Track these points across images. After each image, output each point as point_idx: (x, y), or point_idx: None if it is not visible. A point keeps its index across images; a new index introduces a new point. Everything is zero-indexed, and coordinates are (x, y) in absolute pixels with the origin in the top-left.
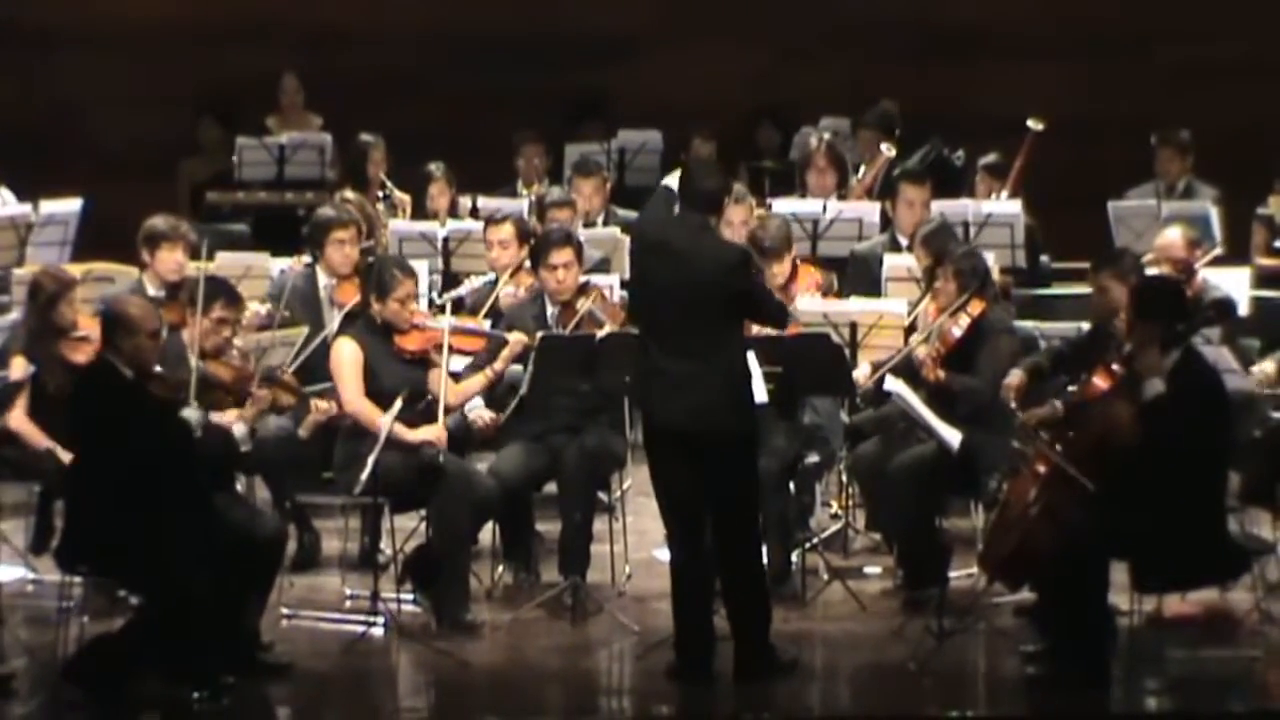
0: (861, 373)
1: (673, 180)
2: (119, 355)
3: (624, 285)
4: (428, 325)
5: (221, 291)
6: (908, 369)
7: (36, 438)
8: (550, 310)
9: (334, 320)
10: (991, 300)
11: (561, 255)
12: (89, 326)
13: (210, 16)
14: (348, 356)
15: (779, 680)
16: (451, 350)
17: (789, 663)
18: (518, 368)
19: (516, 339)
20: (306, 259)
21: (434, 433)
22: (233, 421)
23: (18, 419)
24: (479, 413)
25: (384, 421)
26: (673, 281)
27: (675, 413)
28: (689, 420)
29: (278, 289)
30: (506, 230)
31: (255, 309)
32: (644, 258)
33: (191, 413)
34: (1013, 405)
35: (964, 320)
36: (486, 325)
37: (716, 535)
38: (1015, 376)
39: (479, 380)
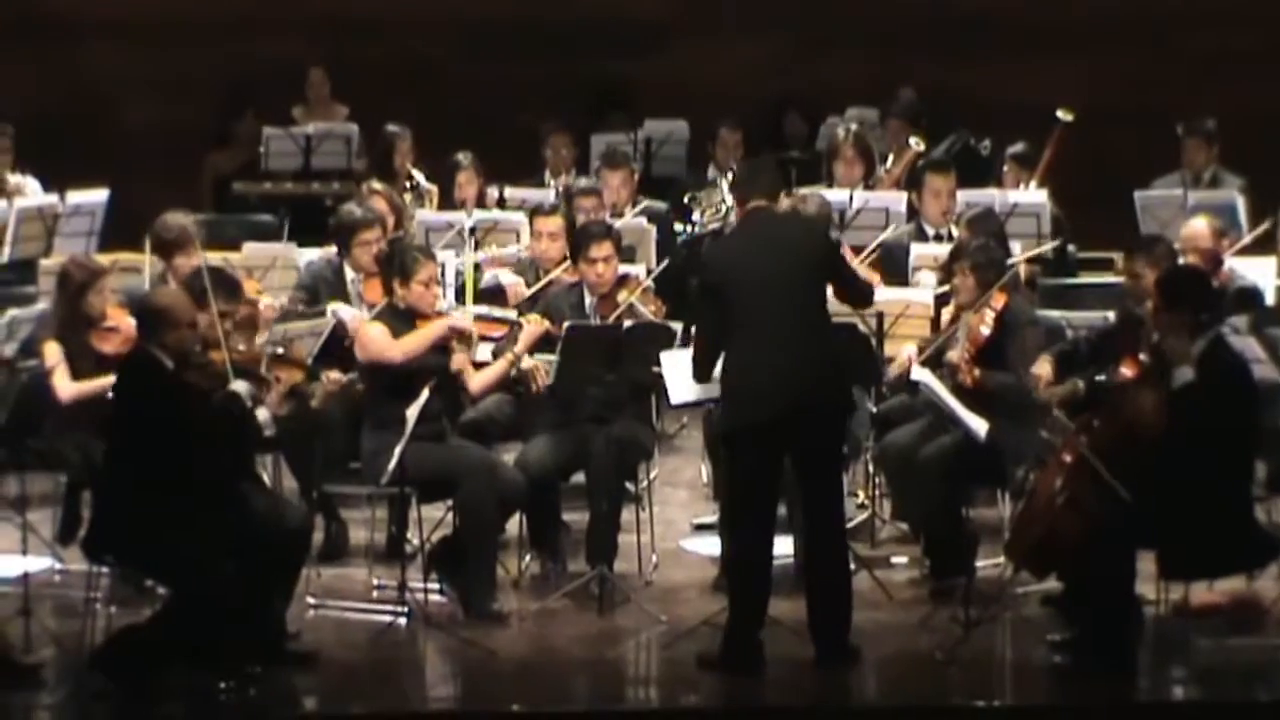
0: (909, 353)
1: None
2: (160, 348)
3: (660, 283)
4: (450, 312)
5: (221, 283)
6: (939, 367)
7: (93, 387)
8: (589, 301)
9: (349, 322)
10: (1013, 289)
11: (602, 249)
12: (117, 317)
13: (236, 7)
14: (377, 329)
15: (850, 667)
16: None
17: (856, 650)
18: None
19: (532, 320)
20: (331, 252)
21: (466, 323)
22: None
23: (67, 387)
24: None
25: (410, 413)
26: (771, 267)
27: (782, 393)
28: (807, 402)
29: (308, 278)
30: (555, 222)
31: (268, 302)
32: (731, 261)
33: (242, 385)
34: (1040, 395)
35: (989, 316)
36: (511, 313)
37: (816, 521)
38: (1044, 366)
39: (500, 365)
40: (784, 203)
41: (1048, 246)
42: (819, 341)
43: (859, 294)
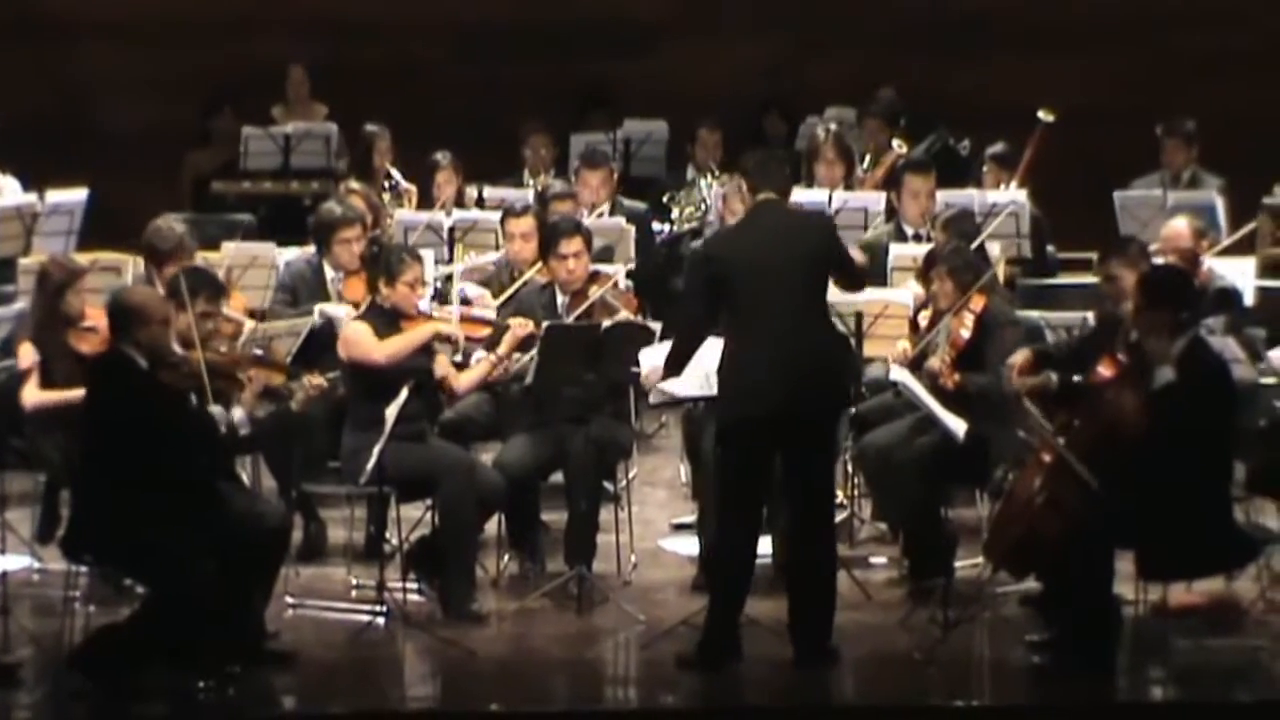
0: (904, 346)
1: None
2: (134, 346)
3: (635, 279)
4: (434, 313)
5: (204, 284)
6: (919, 371)
7: (57, 398)
8: (561, 299)
9: (338, 320)
10: (990, 290)
11: (571, 245)
12: (96, 317)
13: (217, 6)
14: (362, 328)
15: (830, 668)
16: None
17: (835, 650)
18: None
19: (518, 324)
20: (310, 251)
21: (454, 330)
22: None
23: (32, 395)
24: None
25: (389, 413)
26: (779, 263)
27: (779, 389)
28: (804, 399)
29: (288, 279)
30: (528, 223)
31: (251, 325)
32: (739, 253)
33: (218, 410)
34: (1012, 384)
35: (969, 319)
36: (491, 313)
37: (804, 521)
38: (1020, 356)
39: (483, 366)
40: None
41: (984, 235)
42: (820, 340)
43: (854, 278)
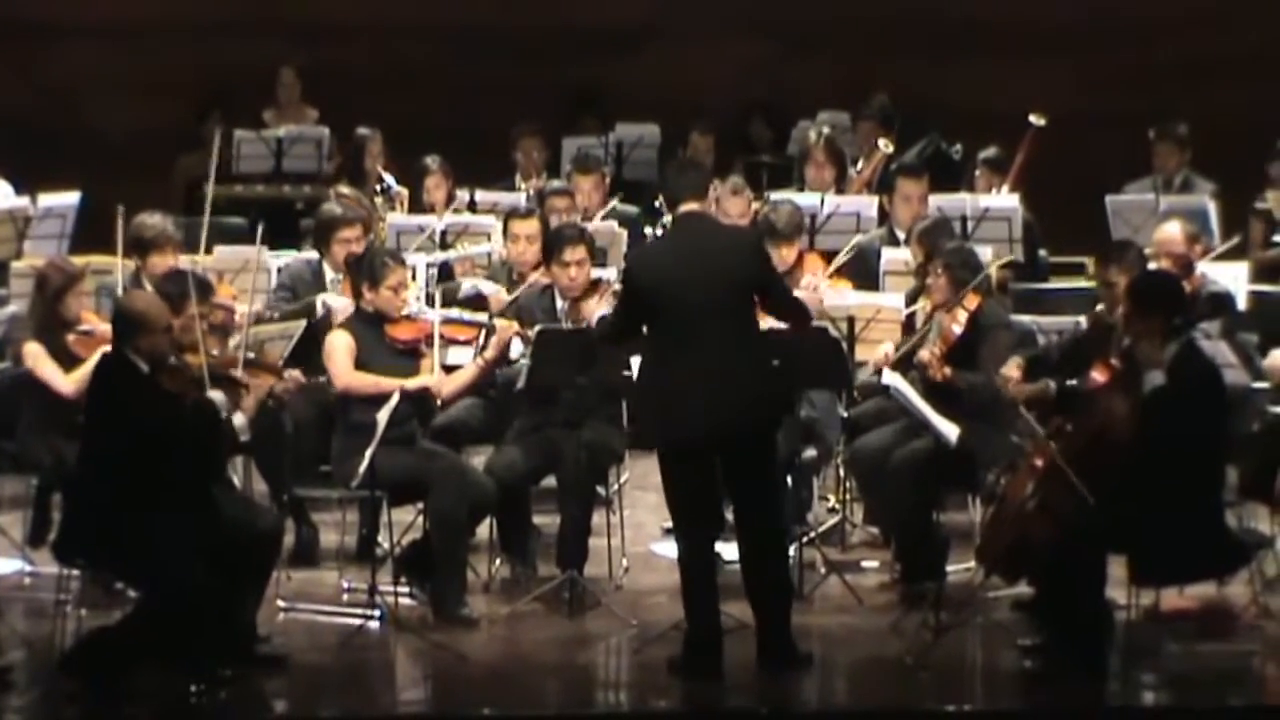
0: (885, 349)
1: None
2: (135, 351)
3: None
4: (419, 316)
5: (195, 286)
6: (910, 369)
7: (87, 372)
8: (560, 305)
9: (337, 313)
10: (986, 293)
11: (575, 252)
12: (91, 320)
13: (208, 9)
14: (340, 343)
15: (799, 672)
16: (444, 340)
17: (806, 655)
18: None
19: (505, 325)
20: (309, 254)
21: (431, 381)
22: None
23: (65, 384)
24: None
25: (380, 416)
26: (695, 279)
27: (710, 414)
28: (731, 423)
29: (287, 279)
30: (532, 225)
31: (244, 309)
32: (661, 271)
33: (218, 395)
34: (1009, 392)
35: (962, 316)
36: (483, 316)
37: (749, 528)
38: (1013, 365)
39: (470, 370)
40: (744, 207)
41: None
42: (746, 359)
43: (792, 313)
